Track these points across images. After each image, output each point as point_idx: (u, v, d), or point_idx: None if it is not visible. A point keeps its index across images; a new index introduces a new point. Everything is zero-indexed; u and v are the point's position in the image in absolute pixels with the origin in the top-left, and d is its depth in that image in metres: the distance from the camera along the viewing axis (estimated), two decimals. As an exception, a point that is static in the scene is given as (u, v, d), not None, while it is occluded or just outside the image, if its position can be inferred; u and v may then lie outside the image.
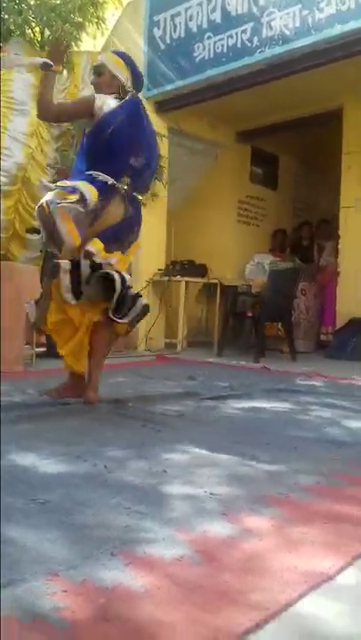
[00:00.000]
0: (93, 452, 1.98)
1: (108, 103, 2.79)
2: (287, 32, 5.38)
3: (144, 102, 6.47)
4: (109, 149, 2.76)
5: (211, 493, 1.59)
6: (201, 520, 1.40)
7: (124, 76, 2.85)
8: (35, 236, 5.99)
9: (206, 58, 6.07)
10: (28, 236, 6.23)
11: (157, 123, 6.55)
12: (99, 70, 2.88)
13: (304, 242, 7.50)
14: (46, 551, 1.18)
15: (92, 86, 2.94)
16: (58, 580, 1.06)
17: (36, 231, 5.75)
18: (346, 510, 1.52)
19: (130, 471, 1.79)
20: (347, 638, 0.93)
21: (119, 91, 2.87)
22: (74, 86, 6.72)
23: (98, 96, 2.81)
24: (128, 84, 2.86)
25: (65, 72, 6.63)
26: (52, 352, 5.16)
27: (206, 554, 1.21)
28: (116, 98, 2.85)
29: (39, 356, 4.81)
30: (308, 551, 1.25)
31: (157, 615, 0.95)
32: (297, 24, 5.30)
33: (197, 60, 6.12)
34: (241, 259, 7.16)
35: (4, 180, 6.23)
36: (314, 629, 0.96)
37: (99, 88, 2.86)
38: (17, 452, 1.96)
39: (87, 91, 6.73)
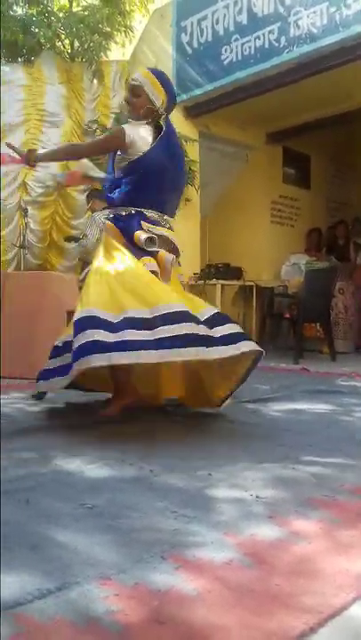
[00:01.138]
0: (137, 455, 2.00)
1: (141, 136, 2.77)
2: (315, 30, 5.35)
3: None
4: (147, 187, 2.79)
5: (257, 496, 1.59)
6: (248, 523, 1.39)
7: (159, 100, 2.81)
8: (72, 245, 6.09)
9: (234, 60, 6.07)
10: (66, 244, 6.33)
11: (187, 127, 6.59)
12: (136, 92, 2.81)
13: (340, 241, 7.42)
14: (97, 555, 1.20)
15: (125, 103, 2.94)
16: (110, 584, 1.07)
17: (74, 239, 5.85)
18: (396, 512, 1.49)
19: (175, 475, 1.80)
20: None
21: (152, 113, 2.83)
22: (104, 95, 6.82)
23: (128, 127, 2.79)
24: (162, 108, 2.82)
25: (95, 82, 6.74)
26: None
27: (256, 557, 1.20)
28: (147, 124, 2.83)
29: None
30: (360, 554, 1.23)
31: (211, 618, 0.95)
32: (324, 22, 5.27)
33: (225, 62, 6.13)
34: (276, 260, 7.12)
35: (39, 191, 6.35)
36: (369, 633, 0.95)
37: (132, 107, 2.84)
38: (62, 457, 1.99)
39: (117, 99, 6.82)
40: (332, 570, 1.15)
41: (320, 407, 3.08)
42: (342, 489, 1.67)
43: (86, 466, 1.89)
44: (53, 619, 0.96)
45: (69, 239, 6.00)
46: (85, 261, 5.52)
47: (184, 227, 6.44)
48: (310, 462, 1.95)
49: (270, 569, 1.15)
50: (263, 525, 1.38)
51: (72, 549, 1.23)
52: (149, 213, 2.79)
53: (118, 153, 2.85)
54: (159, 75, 2.92)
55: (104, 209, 3.03)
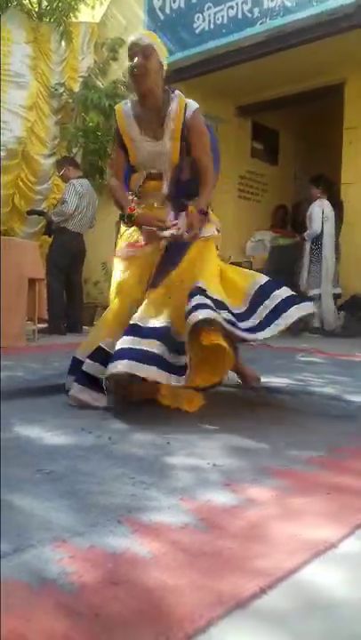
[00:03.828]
0: (97, 424, 2.00)
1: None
2: (289, 3, 5.30)
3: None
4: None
5: (214, 464, 1.61)
6: (204, 490, 1.41)
7: (165, 64, 2.48)
8: (34, 217, 5.99)
9: (206, 29, 5.98)
10: (29, 217, 6.21)
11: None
12: (146, 52, 2.38)
13: (301, 217, 7.47)
14: (53, 519, 1.20)
15: (133, 69, 2.39)
16: (65, 547, 1.07)
17: (37, 212, 5.75)
18: (348, 482, 1.53)
19: (133, 443, 1.81)
20: (350, 604, 0.95)
21: (161, 82, 2.49)
22: (73, 58, 6.63)
23: None
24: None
25: (63, 43, 6.54)
26: (52, 328, 5.20)
27: (210, 522, 1.22)
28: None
29: (40, 331, 4.82)
30: (311, 521, 1.27)
31: (164, 580, 0.97)
32: (299, -5, 5.22)
33: (197, 31, 6.03)
34: (241, 235, 7.13)
35: (2, 154, 6.17)
36: (318, 595, 0.97)
37: (145, 72, 2.39)
38: (21, 424, 1.98)
39: (86, 62, 6.64)
40: (283, 535, 1.18)
41: (280, 381, 3.13)
42: (298, 460, 1.70)
43: (45, 433, 1.89)
44: (7, 580, 0.96)
45: (32, 212, 5.90)
46: (60, 226, 5.44)
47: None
48: (267, 434, 1.98)
49: (224, 533, 1.17)
50: (219, 492, 1.40)
51: (28, 513, 1.23)
52: None
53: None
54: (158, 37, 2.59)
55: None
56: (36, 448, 1.73)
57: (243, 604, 0.92)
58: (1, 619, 0.84)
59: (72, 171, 5.57)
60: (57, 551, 1.06)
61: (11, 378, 2.95)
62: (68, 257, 5.39)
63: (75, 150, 6.51)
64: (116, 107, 2.60)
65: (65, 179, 5.65)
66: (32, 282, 4.45)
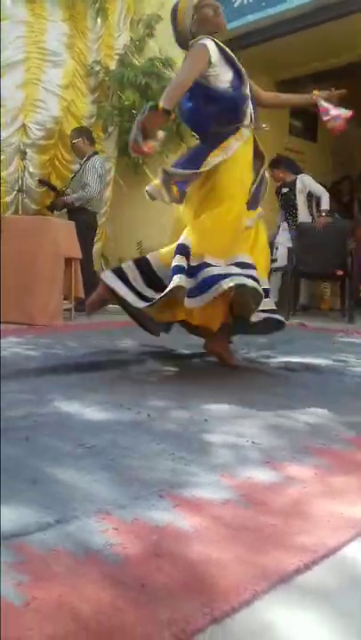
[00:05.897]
0: (135, 401, 2.02)
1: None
2: (332, -28, 5.13)
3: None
4: None
5: (253, 442, 1.61)
6: (244, 467, 1.41)
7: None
8: (43, 188, 5.99)
9: (245, 3, 5.84)
10: (39, 187, 6.20)
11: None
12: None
13: (344, 197, 7.31)
14: (96, 492, 1.22)
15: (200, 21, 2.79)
16: (109, 519, 1.09)
17: (46, 183, 5.78)
18: (389, 461, 1.51)
19: (172, 420, 1.82)
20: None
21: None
22: (108, 35, 6.57)
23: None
24: None
25: (99, 21, 6.48)
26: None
27: (251, 498, 1.22)
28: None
29: (77, 310, 4.86)
30: (353, 499, 1.26)
31: (208, 553, 0.97)
32: (342, -37, 5.05)
33: (236, 4, 5.90)
34: (279, 214, 7.01)
35: (39, 133, 6.18)
36: (362, 572, 0.97)
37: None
38: (60, 400, 2.01)
39: (122, 39, 6.57)
40: (326, 512, 1.17)
41: (317, 361, 3.09)
42: (337, 438, 1.69)
43: (85, 409, 1.91)
44: (53, 549, 0.97)
45: (43, 183, 5.92)
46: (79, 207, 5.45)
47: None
48: (305, 412, 1.97)
49: (266, 510, 1.17)
50: (259, 469, 1.40)
51: (71, 486, 1.25)
52: None
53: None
54: None
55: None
56: (76, 423, 1.75)
57: (286, 579, 0.92)
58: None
59: (86, 144, 5.54)
60: (101, 523, 1.07)
61: (48, 355, 2.99)
62: (86, 236, 5.41)
63: (110, 129, 6.49)
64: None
65: (77, 150, 5.61)
66: (68, 261, 4.49)
